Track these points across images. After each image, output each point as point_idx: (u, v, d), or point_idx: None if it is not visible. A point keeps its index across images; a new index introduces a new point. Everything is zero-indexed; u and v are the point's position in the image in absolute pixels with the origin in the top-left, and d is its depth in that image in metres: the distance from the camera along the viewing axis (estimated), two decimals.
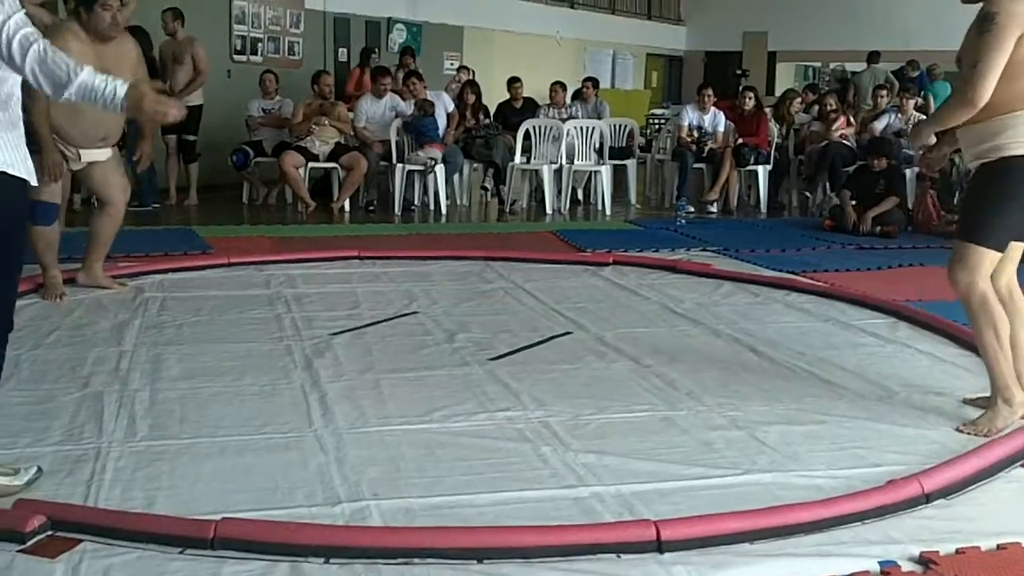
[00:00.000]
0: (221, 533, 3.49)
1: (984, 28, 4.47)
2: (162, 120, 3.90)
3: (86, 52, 5.77)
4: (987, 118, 4.57)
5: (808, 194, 13.46)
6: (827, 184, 13.10)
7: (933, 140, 5.06)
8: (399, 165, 12.44)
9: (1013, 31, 4.41)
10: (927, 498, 3.99)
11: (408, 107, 12.88)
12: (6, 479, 3.91)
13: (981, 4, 4.61)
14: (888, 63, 19.25)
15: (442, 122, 13.02)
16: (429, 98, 12.95)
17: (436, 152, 12.53)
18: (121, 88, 3.66)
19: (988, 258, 4.72)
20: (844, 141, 13.20)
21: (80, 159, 6.94)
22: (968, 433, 4.77)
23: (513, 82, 14.84)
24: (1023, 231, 4.80)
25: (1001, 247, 4.74)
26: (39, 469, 4.01)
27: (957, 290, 4.83)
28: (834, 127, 13.27)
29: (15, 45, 3.54)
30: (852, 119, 13.95)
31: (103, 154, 7.05)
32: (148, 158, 7.85)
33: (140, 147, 7.60)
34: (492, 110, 14.83)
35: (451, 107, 13.37)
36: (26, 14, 3.62)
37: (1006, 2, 4.45)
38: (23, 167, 3.76)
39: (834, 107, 13.71)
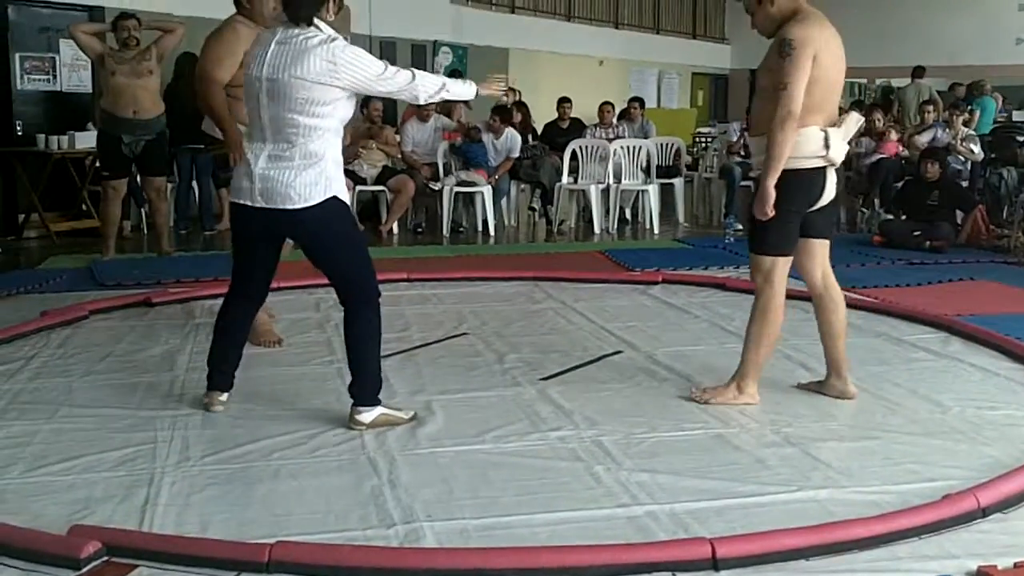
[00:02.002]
0: (276, 556, 3.50)
1: (784, 52, 5.05)
2: None
3: (252, 36, 5.69)
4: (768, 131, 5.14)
5: (863, 210, 13.39)
6: (877, 200, 13.05)
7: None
8: (446, 187, 12.48)
9: (808, 52, 5.02)
10: (983, 512, 3.96)
11: (453, 122, 12.98)
12: (398, 412, 5.09)
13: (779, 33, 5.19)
14: (934, 78, 19.14)
15: (499, 155, 13.04)
16: (504, 133, 12.96)
17: (480, 178, 12.56)
18: (473, 85, 5.24)
19: (779, 264, 5.31)
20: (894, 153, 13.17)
21: None
22: (695, 398, 5.44)
23: (562, 102, 14.85)
24: (816, 231, 5.40)
25: (788, 252, 5.31)
26: (416, 414, 5.14)
27: (756, 291, 5.43)
28: (890, 147, 13.23)
29: (395, 91, 4.92)
30: (900, 134, 13.90)
31: None
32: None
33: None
34: (539, 131, 14.84)
35: (516, 153, 13.24)
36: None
37: (798, 29, 5.06)
38: (346, 196, 4.97)
39: (882, 122, 13.65)
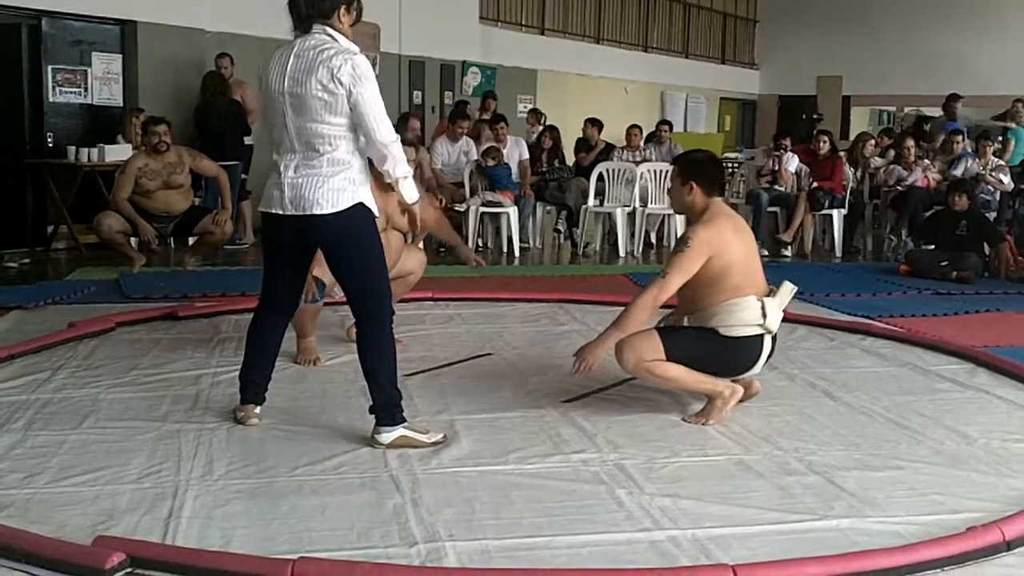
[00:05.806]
0: (299, 572, 3.51)
1: (678, 248, 5.44)
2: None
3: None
4: (704, 308, 5.50)
5: (892, 237, 13.33)
6: (905, 229, 13.03)
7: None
8: (472, 207, 12.51)
9: (701, 254, 5.33)
10: (1008, 545, 3.93)
11: (476, 153, 13.01)
12: (420, 435, 5.01)
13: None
14: (966, 108, 18.99)
15: (514, 167, 13.05)
16: (508, 143, 13.03)
17: (506, 200, 12.59)
18: (416, 191, 5.23)
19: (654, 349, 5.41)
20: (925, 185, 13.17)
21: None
22: (691, 422, 5.52)
23: (589, 123, 14.88)
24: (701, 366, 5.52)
25: (659, 355, 5.39)
26: (445, 437, 5.08)
27: (627, 369, 5.52)
28: (926, 171, 13.28)
29: (378, 139, 4.87)
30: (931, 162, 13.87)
31: None
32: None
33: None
34: (569, 152, 14.87)
35: (525, 155, 13.36)
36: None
37: (700, 230, 5.41)
38: (374, 205, 5.04)
39: (912, 151, 13.62)
